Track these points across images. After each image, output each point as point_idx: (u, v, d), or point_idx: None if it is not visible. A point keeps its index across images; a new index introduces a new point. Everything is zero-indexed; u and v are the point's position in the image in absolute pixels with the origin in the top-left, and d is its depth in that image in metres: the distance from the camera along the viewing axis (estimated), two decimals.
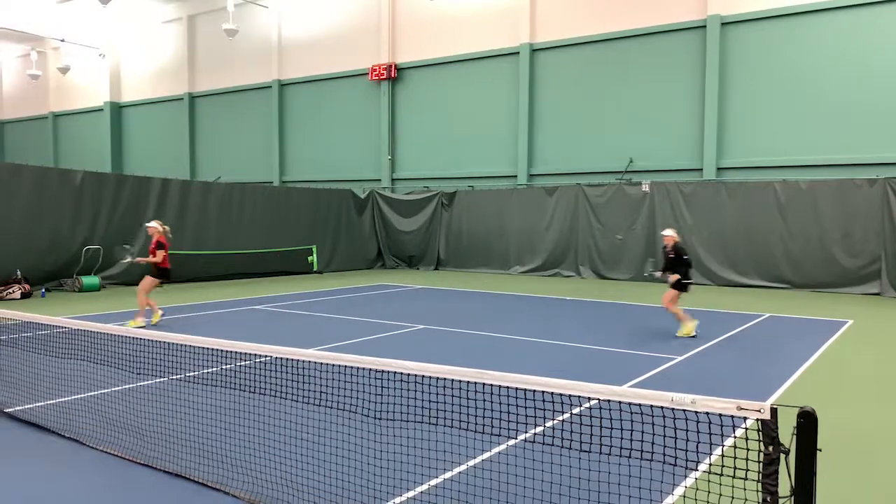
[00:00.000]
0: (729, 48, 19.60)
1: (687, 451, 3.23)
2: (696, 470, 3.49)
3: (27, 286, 15.06)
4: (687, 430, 3.22)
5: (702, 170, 19.95)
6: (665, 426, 3.20)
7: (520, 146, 23.00)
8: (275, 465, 4.66)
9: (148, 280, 11.06)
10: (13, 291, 14.74)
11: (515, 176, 23.17)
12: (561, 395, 3.26)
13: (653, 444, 3.25)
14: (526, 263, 21.85)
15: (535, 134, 22.93)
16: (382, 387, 4.41)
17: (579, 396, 3.22)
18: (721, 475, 3.11)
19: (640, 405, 3.03)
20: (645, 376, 7.77)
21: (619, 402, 3.16)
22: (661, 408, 2.94)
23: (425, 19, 25.04)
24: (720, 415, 2.82)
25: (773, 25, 19.05)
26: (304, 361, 4.36)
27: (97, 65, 35.07)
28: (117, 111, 35.40)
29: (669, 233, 10.64)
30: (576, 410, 3.69)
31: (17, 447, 5.28)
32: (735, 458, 3.06)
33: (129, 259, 11.74)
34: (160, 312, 11.18)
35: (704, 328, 11.20)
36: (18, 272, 15.09)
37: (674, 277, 10.36)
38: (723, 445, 3.67)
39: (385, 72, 25.69)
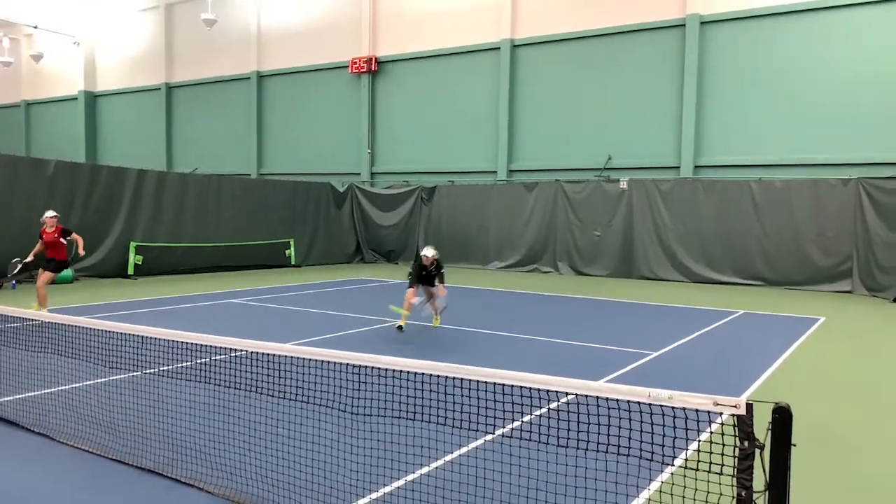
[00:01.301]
0: (707, 47, 19.76)
1: (664, 446, 3.24)
2: (673, 465, 3.50)
3: None
4: (664, 426, 3.23)
5: (679, 168, 20.13)
6: (642, 421, 3.20)
7: (500, 142, 23.03)
8: (250, 461, 4.61)
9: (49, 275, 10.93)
10: None
11: (496, 171, 23.19)
12: (538, 389, 3.26)
13: (629, 438, 3.26)
14: (505, 259, 21.89)
15: (515, 130, 22.96)
16: (359, 382, 4.37)
17: (556, 391, 3.22)
18: (697, 470, 3.12)
19: (616, 400, 3.04)
20: (621, 371, 7.82)
21: (597, 398, 3.17)
22: (639, 403, 2.94)
23: (406, 13, 24.93)
24: (697, 410, 2.83)
25: (752, 25, 19.24)
26: (280, 356, 4.31)
27: (71, 53, 34.44)
28: (92, 100, 34.82)
29: (432, 253, 10.36)
30: (552, 405, 3.68)
31: None
32: (711, 452, 3.08)
33: (18, 269, 11.58)
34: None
35: (680, 324, 11.30)
36: None
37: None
38: (699, 440, 3.69)
39: (365, 65, 25.54)
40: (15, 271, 11.67)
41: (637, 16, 20.67)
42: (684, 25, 19.95)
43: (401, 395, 4.12)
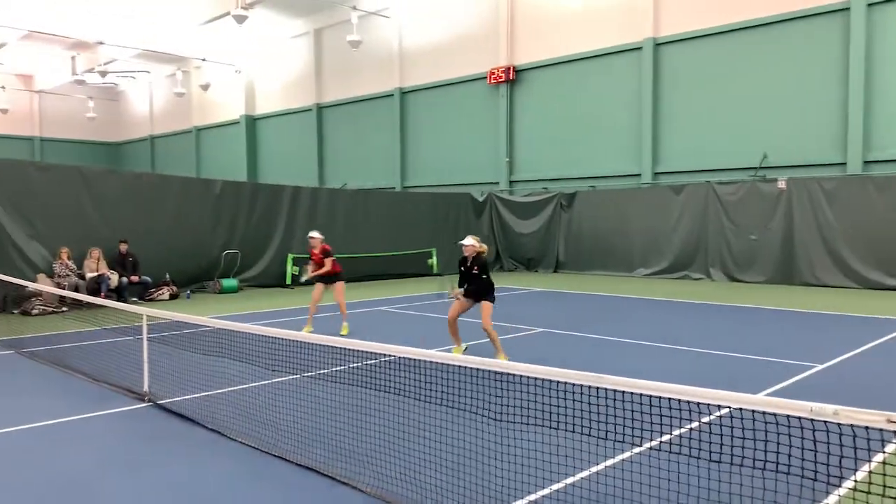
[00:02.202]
0: (876, 31, 18.02)
1: (829, 465, 3.01)
2: (840, 486, 3.24)
3: (175, 288, 16.37)
4: (829, 444, 3.00)
5: (845, 164, 18.48)
6: (803, 438, 3.00)
7: (643, 144, 22.30)
8: (400, 463, 4.79)
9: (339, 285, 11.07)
10: (162, 293, 16.06)
11: (639, 175, 22.48)
12: (689, 402, 3.14)
13: (789, 456, 3.06)
14: (651, 265, 21.13)
15: (659, 131, 22.15)
16: (503, 389, 4.42)
17: (709, 404, 3.09)
18: (868, 493, 2.87)
19: (774, 415, 2.86)
20: (782, 385, 7.31)
21: (753, 412, 3.00)
22: (799, 418, 2.76)
23: (544, 19, 24.85)
24: (867, 427, 2.61)
25: None
26: (427, 361, 4.46)
27: (234, 81, 37.55)
28: (252, 123, 37.71)
29: (469, 241, 8.73)
30: (705, 419, 3.53)
31: (167, 436, 5.76)
32: (885, 475, 2.82)
33: (304, 278, 11.82)
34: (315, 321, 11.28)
35: (849, 335, 10.36)
36: (167, 275, 16.42)
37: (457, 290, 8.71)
38: (870, 461, 3.39)
39: (503, 74, 25.73)
40: (301, 279, 11.86)
41: (792, 3, 19.26)
42: (849, 9, 18.33)
43: (545, 404, 4.12)
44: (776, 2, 19.52)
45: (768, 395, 6.76)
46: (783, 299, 15.11)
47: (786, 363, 8.41)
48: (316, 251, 11.07)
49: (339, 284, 11.13)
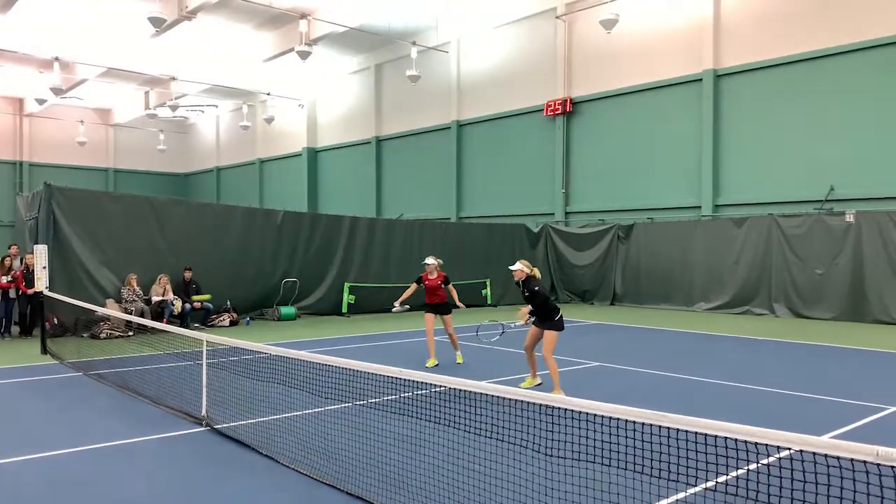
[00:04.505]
0: None
1: None
2: None
3: (235, 315, 16.79)
4: None
5: None
6: (869, 483, 2.85)
7: (703, 176, 21.88)
8: (448, 494, 4.75)
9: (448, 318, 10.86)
10: (223, 319, 16.49)
11: (699, 207, 22.03)
12: (747, 442, 3.04)
13: (853, 502, 2.91)
14: (712, 300, 20.57)
15: (720, 162, 21.71)
16: (554, 423, 4.36)
17: (768, 445, 2.97)
18: None
19: (838, 458, 2.74)
20: (849, 427, 6.97)
21: (814, 454, 2.88)
22: (865, 462, 2.63)
23: (601, 51, 24.84)
24: None
25: None
26: (475, 393, 4.44)
27: (296, 114, 38.70)
28: (313, 155, 38.69)
29: (518, 266, 8.62)
30: (765, 460, 3.40)
31: (223, 460, 5.87)
32: None
33: (396, 308, 11.01)
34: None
35: None
36: (228, 302, 16.87)
37: (525, 310, 8.47)
38: None
39: (560, 106, 25.76)
40: (395, 309, 11.28)
41: (858, 34, 18.73)
42: None
43: (596, 440, 4.04)
44: (842, 33, 19.01)
45: (834, 437, 6.45)
46: (853, 337, 14.47)
47: (855, 404, 8.03)
48: (432, 277, 10.81)
49: (450, 316, 10.85)
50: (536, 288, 8.32)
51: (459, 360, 10.90)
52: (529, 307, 8.41)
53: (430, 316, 10.85)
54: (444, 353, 11.04)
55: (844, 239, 17.92)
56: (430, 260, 10.93)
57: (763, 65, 20.65)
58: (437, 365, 10.58)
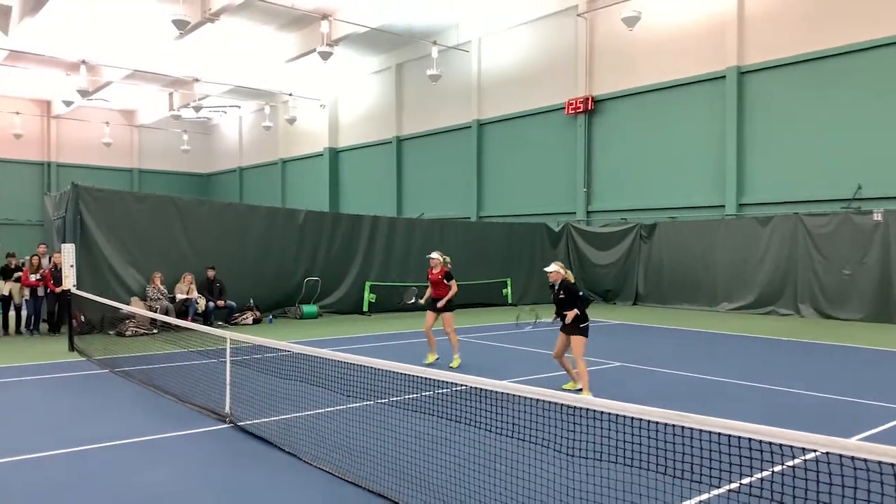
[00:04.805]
0: None
1: None
2: None
3: (258, 313, 16.94)
4: None
5: None
6: None
7: (727, 174, 21.63)
8: (469, 493, 4.76)
9: (450, 315, 10.74)
10: (246, 317, 16.65)
11: (723, 206, 21.79)
12: (771, 443, 3.00)
13: None
14: (735, 300, 20.34)
15: (744, 161, 21.45)
16: (575, 423, 4.34)
17: (793, 447, 2.94)
18: None
19: (865, 461, 2.70)
20: (878, 429, 6.86)
21: (841, 456, 2.84)
22: (893, 465, 2.59)
23: (623, 49, 24.67)
24: None
25: None
26: (498, 392, 4.44)
27: (318, 114, 38.91)
28: (335, 155, 38.88)
29: (553, 268, 8.61)
30: (790, 462, 3.36)
31: (246, 458, 5.93)
32: None
33: (413, 300, 11.34)
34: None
35: None
36: (252, 300, 17.02)
37: (571, 314, 8.33)
38: None
39: (581, 105, 25.63)
40: (410, 301, 11.66)
41: (887, 28, 18.39)
42: None
43: (618, 440, 4.02)
44: (866, 29, 18.69)
45: (862, 439, 6.35)
46: (882, 338, 14.22)
47: (885, 406, 7.90)
48: (435, 272, 10.76)
49: (449, 315, 10.67)
50: (581, 293, 8.35)
51: (454, 364, 10.45)
52: (575, 311, 8.26)
53: (430, 313, 10.91)
54: (445, 353, 10.99)
55: (872, 238, 17.62)
56: (434, 254, 10.94)
57: (788, 61, 20.36)
58: (437, 359, 10.66)
